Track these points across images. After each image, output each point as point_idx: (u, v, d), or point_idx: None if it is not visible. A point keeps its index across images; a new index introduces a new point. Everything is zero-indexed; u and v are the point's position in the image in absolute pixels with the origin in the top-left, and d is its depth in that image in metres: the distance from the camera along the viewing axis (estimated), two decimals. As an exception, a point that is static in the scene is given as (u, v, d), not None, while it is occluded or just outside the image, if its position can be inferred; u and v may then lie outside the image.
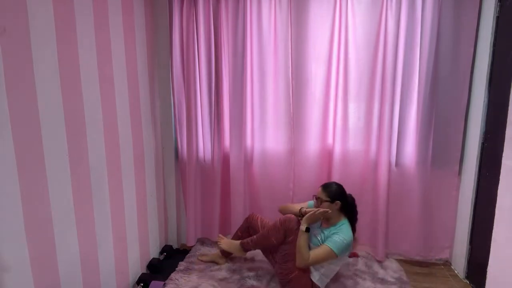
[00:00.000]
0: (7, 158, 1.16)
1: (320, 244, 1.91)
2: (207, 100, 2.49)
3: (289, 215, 2.02)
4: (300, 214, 2.01)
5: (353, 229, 1.98)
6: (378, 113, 2.31)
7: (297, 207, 2.11)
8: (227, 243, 2.21)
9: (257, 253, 2.43)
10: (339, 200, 1.94)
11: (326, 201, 1.94)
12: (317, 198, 1.99)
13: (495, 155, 1.82)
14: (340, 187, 2.00)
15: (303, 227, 1.90)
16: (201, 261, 2.40)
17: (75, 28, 1.49)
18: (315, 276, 1.92)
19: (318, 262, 1.88)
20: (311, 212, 1.91)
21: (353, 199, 2.05)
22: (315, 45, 2.32)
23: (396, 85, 2.27)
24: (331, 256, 1.85)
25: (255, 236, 2.08)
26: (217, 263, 2.34)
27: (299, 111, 2.40)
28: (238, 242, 2.15)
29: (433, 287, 2.16)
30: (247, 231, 2.28)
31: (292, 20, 2.29)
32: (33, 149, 1.27)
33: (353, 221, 2.00)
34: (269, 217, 2.47)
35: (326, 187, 1.99)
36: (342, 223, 1.94)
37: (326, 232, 1.95)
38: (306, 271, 1.92)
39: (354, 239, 1.99)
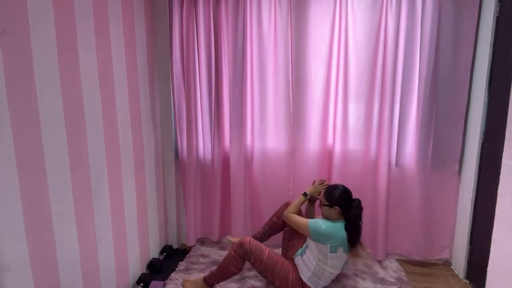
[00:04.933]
0: (7, 158, 1.16)
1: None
2: (207, 100, 2.49)
3: (240, 240, 1.97)
4: (304, 193, 2.14)
5: (351, 238, 1.83)
6: (378, 113, 2.32)
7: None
8: (191, 284, 2.06)
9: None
10: (339, 206, 1.87)
11: (325, 204, 1.91)
12: (320, 200, 1.99)
13: (495, 155, 1.82)
14: (344, 193, 1.90)
15: (305, 191, 2.12)
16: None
17: (75, 28, 1.48)
18: (304, 275, 1.88)
19: (291, 222, 1.98)
20: (315, 186, 2.13)
21: (359, 208, 1.88)
22: (315, 45, 2.33)
23: (396, 85, 2.27)
24: (303, 227, 1.89)
25: (214, 270, 2.00)
26: None
27: (299, 111, 2.40)
28: (201, 279, 2.02)
29: (433, 287, 2.16)
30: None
31: (292, 20, 2.29)
32: (33, 149, 1.27)
33: (350, 229, 1.83)
34: (269, 217, 2.47)
35: (329, 190, 1.94)
36: (337, 221, 1.87)
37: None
38: (288, 274, 1.89)
39: (358, 252, 1.87)
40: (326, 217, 1.93)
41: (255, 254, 1.90)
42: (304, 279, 1.89)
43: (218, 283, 2.02)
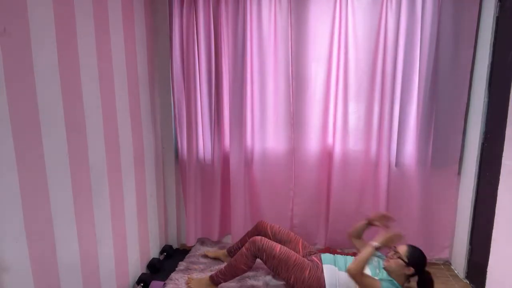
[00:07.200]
0: (7, 158, 1.16)
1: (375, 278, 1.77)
2: (207, 100, 2.48)
3: (253, 238, 1.96)
4: (375, 246, 1.80)
5: None
6: (378, 113, 2.32)
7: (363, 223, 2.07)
8: (196, 282, 2.05)
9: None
10: (414, 268, 1.72)
11: (402, 260, 1.72)
12: (396, 251, 1.78)
13: (495, 155, 1.82)
14: (424, 259, 1.77)
15: (375, 243, 1.74)
16: (207, 256, 2.40)
17: (75, 28, 1.48)
18: (330, 285, 1.84)
19: (361, 282, 1.70)
20: (389, 235, 1.77)
21: (430, 279, 1.77)
22: (315, 45, 2.32)
23: (396, 85, 2.27)
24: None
25: (223, 268, 1.99)
26: (221, 260, 2.36)
27: (299, 111, 2.40)
28: (207, 277, 2.01)
29: (433, 287, 2.16)
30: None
31: (292, 20, 2.29)
32: (33, 148, 1.27)
33: None
34: (269, 217, 2.47)
35: (412, 249, 1.78)
36: (395, 284, 1.73)
37: (384, 272, 1.81)
38: (304, 270, 1.88)
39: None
40: (391, 271, 1.77)
41: (267, 251, 1.90)
42: (327, 286, 1.84)
43: (225, 281, 2.01)
